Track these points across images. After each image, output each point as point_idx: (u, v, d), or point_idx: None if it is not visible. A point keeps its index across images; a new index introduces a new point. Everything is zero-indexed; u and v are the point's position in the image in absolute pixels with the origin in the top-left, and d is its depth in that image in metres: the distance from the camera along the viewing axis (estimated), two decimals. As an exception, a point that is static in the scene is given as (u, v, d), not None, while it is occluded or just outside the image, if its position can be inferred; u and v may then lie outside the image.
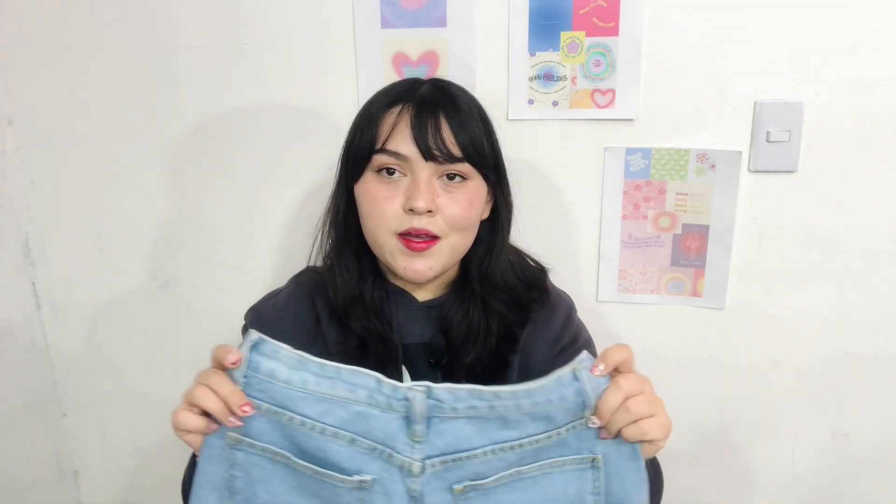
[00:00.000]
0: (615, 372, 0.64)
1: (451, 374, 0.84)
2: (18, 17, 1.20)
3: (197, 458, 0.69)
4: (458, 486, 0.65)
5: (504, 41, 1.10)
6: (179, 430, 0.66)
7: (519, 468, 0.65)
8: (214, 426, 0.66)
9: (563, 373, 0.63)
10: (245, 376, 0.65)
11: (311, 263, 0.95)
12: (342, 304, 0.84)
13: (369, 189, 0.80)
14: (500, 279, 0.86)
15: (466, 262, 0.87)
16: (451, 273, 0.88)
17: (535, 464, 0.65)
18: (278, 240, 1.26)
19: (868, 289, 1.12)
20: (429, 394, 0.63)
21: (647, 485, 0.66)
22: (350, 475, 0.65)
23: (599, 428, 0.64)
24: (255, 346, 0.65)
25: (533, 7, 1.08)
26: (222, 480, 0.68)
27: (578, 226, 1.18)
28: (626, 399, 0.62)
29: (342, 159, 0.86)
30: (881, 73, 1.03)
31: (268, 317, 0.88)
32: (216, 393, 0.64)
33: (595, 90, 1.10)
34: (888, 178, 1.07)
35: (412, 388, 0.63)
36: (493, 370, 0.83)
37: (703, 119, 1.09)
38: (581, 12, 1.07)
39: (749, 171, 1.10)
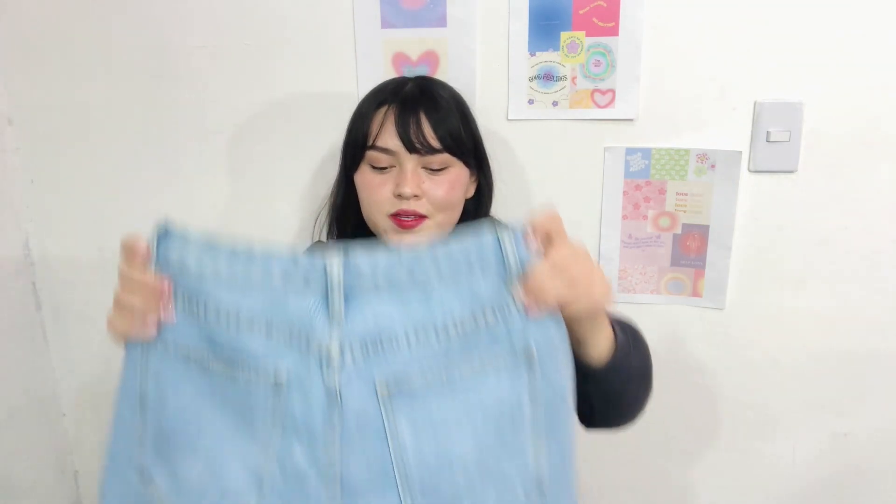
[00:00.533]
0: (546, 242, 0.61)
1: None
2: (18, 17, 1.20)
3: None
4: (381, 385, 0.57)
5: (504, 41, 1.10)
6: (111, 329, 0.67)
7: (448, 366, 0.58)
8: (143, 323, 0.64)
9: (483, 231, 0.58)
10: (156, 269, 0.62)
11: (316, 239, 1.07)
12: None
13: (365, 178, 0.92)
14: None
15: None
16: None
17: (466, 363, 0.58)
18: (279, 239, 1.26)
19: (868, 288, 1.13)
20: (345, 261, 0.57)
21: (573, 371, 0.62)
22: (267, 372, 0.59)
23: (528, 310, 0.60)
24: (162, 236, 0.62)
25: (533, 7, 1.08)
26: (135, 392, 0.65)
27: (578, 226, 1.18)
28: (554, 269, 0.60)
29: (342, 153, 0.97)
30: (881, 73, 1.03)
31: None
32: (135, 286, 0.63)
33: (595, 90, 1.10)
34: (888, 178, 1.08)
35: (327, 259, 0.57)
36: None
37: (703, 119, 1.09)
38: (581, 12, 1.07)
39: (749, 171, 1.10)
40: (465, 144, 0.92)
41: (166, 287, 0.62)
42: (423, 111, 0.89)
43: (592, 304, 0.63)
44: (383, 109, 0.90)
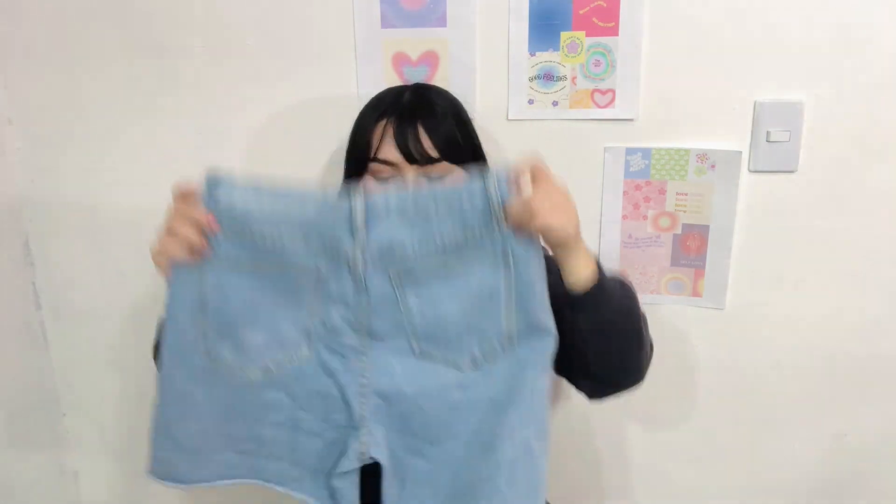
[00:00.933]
0: (533, 178, 0.77)
1: None
2: (18, 18, 1.21)
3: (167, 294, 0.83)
4: (394, 275, 0.78)
5: (504, 41, 1.11)
6: (160, 254, 0.81)
7: (443, 264, 0.78)
8: (194, 251, 0.78)
9: (474, 180, 0.75)
10: (207, 210, 0.77)
11: None
12: None
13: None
14: None
15: None
16: None
17: (457, 260, 0.78)
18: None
19: (868, 289, 1.13)
20: (365, 198, 0.76)
21: (545, 274, 0.78)
22: (308, 268, 0.78)
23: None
24: (212, 183, 0.77)
25: (533, 7, 1.08)
26: (193, 301, 0.80)
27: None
28: (529, 202, 0.74)
29: (346, 163, 0.99)
30: (881, 73, 1.03)
31: None
32: (187, 219, 0.77)
33: (595, 90, 1.10)
34: (888, 177, 1.08)
35: (352, 195, 0.76)
36: None
37: (704, 119, 1.09)
38: (581, 12, 1.07)
39: (749, 171, 1.10)
40: (464, 151, 0.94)
41: (213, 221, 0.77)
42: (421, 122, 0.91)
43: (573, 228, 0.78)
44: (382, 122, 0.92)
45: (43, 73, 1.23)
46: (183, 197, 0.79)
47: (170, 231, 0.79)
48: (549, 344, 0.79)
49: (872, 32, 1.02)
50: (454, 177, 0.94)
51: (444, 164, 0.92)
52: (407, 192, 0.77)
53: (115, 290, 1.34)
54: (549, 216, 0.75)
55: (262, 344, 0.81)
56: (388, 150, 0.91)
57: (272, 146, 1.21)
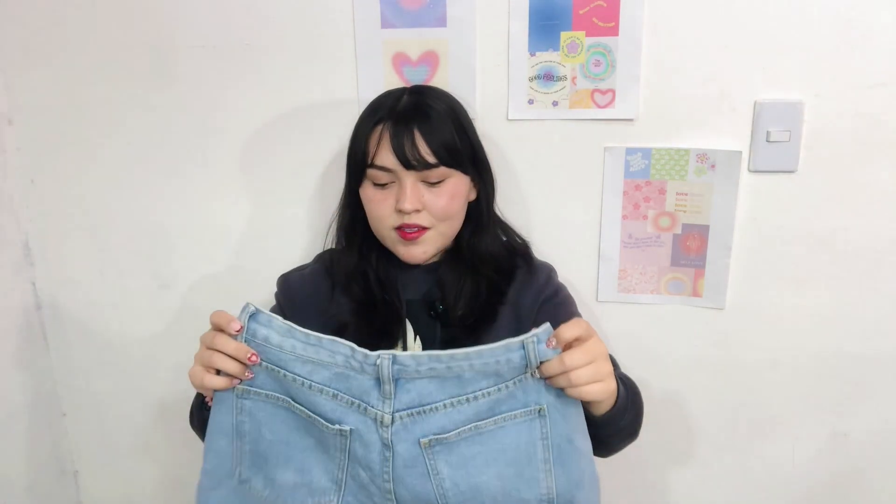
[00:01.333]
0: (569, 345, 0.73)
1: (448, 324, 0.97)
2: (18, 18, 1.21)
3: (205, 401, 0.85)
4: (424, 440, 0.75)
5: (504, 41, 1.10)
6: (203, 389, 0.81)
7: (476, 423, 0.75)
8: (234, 381, 0.79)
9: (512, 341, 0.71)
10: (245, 341, 0.77)
11: (328, 247, 1.09)
12: (346, 277, 1.01)
13: (368, 194, 0.95)
14: (487, 250, 1.01)
15: (458, 237, 1.01)
16: (445, 245, 1.02)
17: (490, 419, 0.75)
18: (278, 239, 1.26)
19: (868, 288, 1.13)
20: (393, 360, 0.73)
21: (584, 419, 0.78)
22: (333, 424, 0.76)
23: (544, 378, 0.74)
24: (252, 316, 0.78)
25: (533, 7, 1.08)
26: (231, 426, 0.81)
27: (578, 226, 1.18)
28: (567, 370, 0.72)
29: (347, 168, 0.99)
30: (881, 72, 1.03)
31: (294, 284, 1.05)
32: (225, 353, 0.78)
33: (595, 90, 1.10)
34: (888, 177, 1.07)
35: (380, 356, 0.74)
36: (482, 321, 0.97)
37: (703, 119, 1.09)
38: (581, 12, 1.07)
39: (749, 171, 1.10)
40: (462, 154, 0.94)
41: (253, 353, 0.77)
42: (417, 127, 0.90)
43: (610, 395, 0.78)
44: (379, 128, 0.92)
45: (43, 73, 1.23)
46: (225, 327, 0.78)
47: (210, 362, 0.79)
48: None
49: (872, 32, 1.02)
50: (454, 181, 0.94)
51: (442, 169, 0.92)
52: (440, 356, 0.73)
53: (114, 290, 1.34)
54: (589, 389, 0.73)
55: (292, 485, 0.80)
56: (385, 157, 0.91)
57: (273, 146, 1.21)
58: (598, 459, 1.26)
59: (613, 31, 1.07)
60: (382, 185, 0.93)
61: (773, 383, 1.19)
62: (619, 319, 1.21)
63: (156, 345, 1.36)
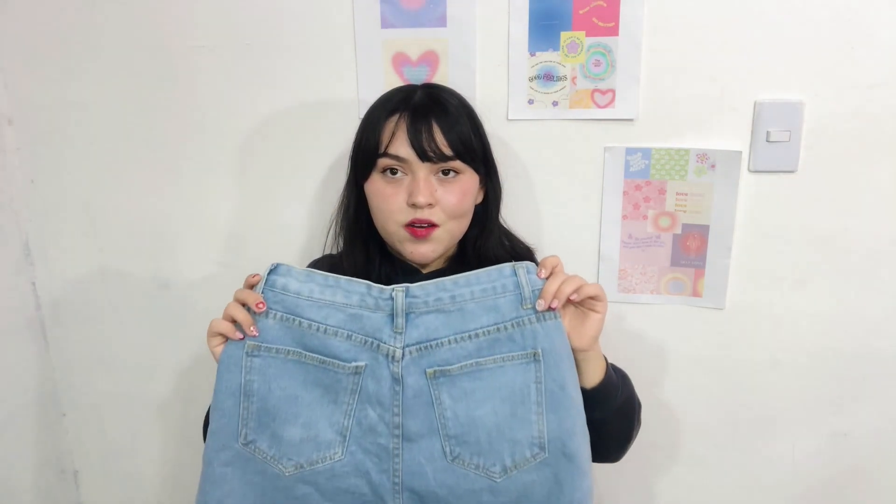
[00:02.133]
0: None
1: None
2: (18, 18, 1.21)
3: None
4: (429, 370, 0.82)
5: (504, 41, 1.10)
6: (211, 333, 0.84)
7: (477, 359, 0.82)
8: (239, 335, 0.82)
9: (503, 266, 0.82)
10: (263, 291, 0.83)
11: (327, 252, 1.07)
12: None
13: (377, 187, 0.93)
14: (492, 255, 1.00)
15: (463, 242, 1.00)
16: (450, 251, 1.01)
17: (490, 357, 0.82)
18: (278, 240, 1.26)
19: (868, 288, 1.13)
20: (407, 292, 0.81)
21: (575, 373, 0.84)
22: (348, 363, 0.82)
23: (542, 311, 0.81)
24: (272, 270, 0.83)
25: (533, 7, 1.08)
26: (238, 386, 0.83)
27: (578, 226, 1.18)
28: (563, 281, 0.81)
29: (351, 161, 0.98)
30: (881, 72, 1.03)
31: None
32: (240, 305, 0.82)
33: (595, 90, 1.10)
34: (888, 177, 1.07)
35: (394, 289, 0.81)
36: None
37: (703, 119, 1.09)
38: (581, 12, 1.07)
39: (749, 171, 1.10)
40: (476, 151, 0.93)
41: (261, 301, 0.82)
42: (435, 119, 0.89)
43: (599, 290, 0.83)
44: (395, 118, 0.90)
45: (43, 73, 1.23)
46: (246, 282, 0.84)
47: (225, 313, 0.83)
48: (581, 463, 0.82)
49: (872, 31, 1.02)
50: (466, 178, 0.93)
51: (457, 163, 0.91)
52: (442, 281, 0.82)
53: (114, 291, 1.34)
54: (590, 289, 0.82)
55: (298, 441, 0.83)
56: (400, 146, 0.89)
57: (273, 146, 1.21)
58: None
59: (613, 31, 1.07)
60: (392, 179, 0.91)
61: (774, 383, 1.19)
62: (619, 320, 1.21)
63: (156, 345, 1.36)
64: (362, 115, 1.15)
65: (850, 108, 1.05)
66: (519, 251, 1.05)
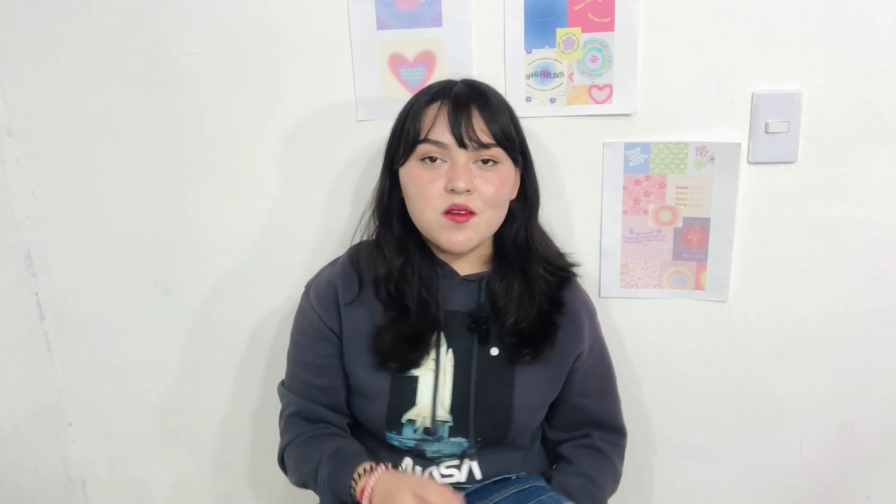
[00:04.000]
0: None
1: (487, 339, 0.97)
2: (16, 28, 1.21)
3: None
4: None
5: (500, 39, 1.11)
6: None
7: None
8: None
9: None
10: None
11: (360, 238, 1.05)
12: (385, 274, 0.98)
13: (415, 173, 0.92)
14: (537, 247, 1.00)
15: (502, 240, 1.00)
16: (488, 250, 1.02)
17: None
18: (280, 244, 1.26)
19: (870, 277, 1.12)
20: None
21: None
22: None
23: None
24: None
25: (528, 5, 1.08)
26: None
27: (579, 222, 1.18)
28: None
29: (387, 148, 0.98)
30: (879, 62, 1.03)
31: (324, 277, 1.03)
32: None
33: (592, 86, 1.10)
34: (887, 166, 1.07)
35: None
36: (540, 329, 0.97)
37: (702, 112, 1.09)
38: (576, 8, 1.07)
39: (748, 162, 1.10)
40: (514, 141, 0.94)
41: None
42: (476, 107, 0.90)
43: None
44: (436, 105, 0.91)
45: (41, 84, 1.23)
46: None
47: None
48: None
49: (869, 20, 1.02)
50: (504, 168, 0.93)
51: (496, 150, 0.91)
52: None
53: (117, 299, 1.34)
54: None
55: None
56: (441, 132, 0.90)
57: (272, 150, 1.21)
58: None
59: (609, 27, 1.07)
60: (431, 166, 0.91)
61: (779, 375, 1.19)
62: (623, 315, 1.21)
63: (161, 352, 1.36)
64: (360, 118, 1.16)
65: (848, 98, 1.05)
66: (562, 263, 1.04)
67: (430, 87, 0.96)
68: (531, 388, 0.98)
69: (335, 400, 1.01)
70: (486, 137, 0.90)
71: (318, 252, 1.22)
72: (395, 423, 0.96)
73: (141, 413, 1.41)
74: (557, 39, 1.09)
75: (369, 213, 1.02)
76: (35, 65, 1.22)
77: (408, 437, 0.96)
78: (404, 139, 0.93)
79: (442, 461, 0.98)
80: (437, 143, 0.90)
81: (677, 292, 1.18)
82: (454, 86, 0.94)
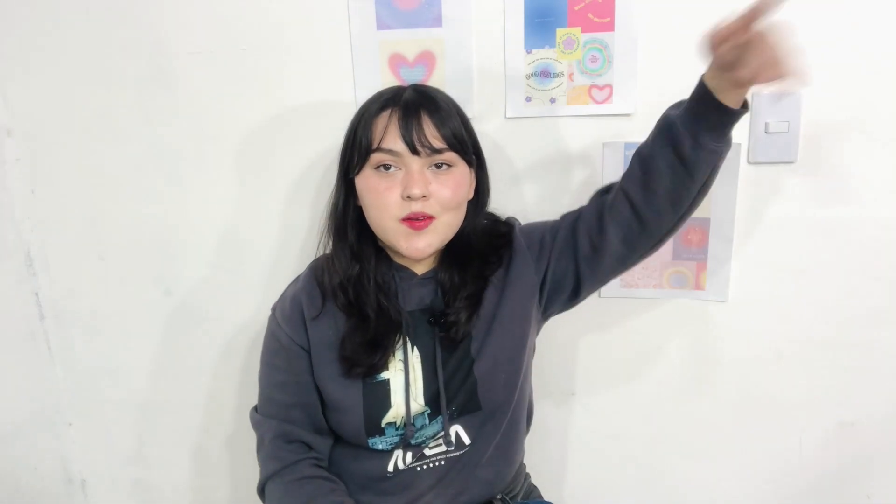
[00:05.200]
0: None
1: (446, 327, 0.98)
2: (16, 28, 1.21)
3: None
4: None
5: (500, 39, 1.11)
6: None
7: None
8: None
9: None
10: None
11: (321, 251, 1.03)
12: (340, 283, 0.98)
13: (370, 182, 0.92)
14: (473, 241, 1.01)
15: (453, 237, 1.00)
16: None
17: None
18: (279, 244, 1.26)
19: (870, 277, 1.12)
20: None
21: None
22: None
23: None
24: None
25: (528, 5, 1.08)
26: None
27: (579, 222, 1.17)
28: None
29: (341, 157, 0.97)
30: (878, 62, 1.03)
31: (288, 297, 1.03)
32: None
33: (592, 86, 1.10)
34: (887, 166, 1.07)
35: None
36: (474, 311, 0.98)
37: (701, 112, 1.09)
38: (576, 8, 1.07)
39: (748, 162, 1.10)
40: (466, 143, 0.94)
41: None
42: (426, 112, 0.90)
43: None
44: (386, 113, 0.91)
45: (41, 84, 1.23)
46: None
47: None
48: None
49: (868, 20, 1.02)
50: (459, 171, 0.93)
51: (449, 154, 0.91)
52: None
53: (117, 298, 1.34)
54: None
55: None
56: (392, 140, 0.89)
57: (272, 149, 1.21)
58: (603, 447, 1.27)
59: (609, 27, 1.07)
60: (386, 174, 0.91)
61: (779, 374, 1.19)
62: (623, 315, 1.21)
63: (160, 351, 1.36)
64: (360, 117, 1.16)
65: (847, 98, 1.05)
66: (496, 230, 1.04)
67: (380, 94, 0.96)
68: (491, 351, 0.98)
69: (314, 417, 1.00)
70: (437, 142, 0.90)
71: (319, 251, 1.22)
72: (375, 430, 0.96)
73: (141, 413, 1.41)
74: (557, 39, 1.09)
75: (324, 224, 1.02)
76: (35, 65, 1.22)
77: (390, 436, 0.97)
78: (357, 149, 0.93)
79: (427, 443, 0.99)
80: (389, 151, 0.90)
81: (677, 292, 1.18)
82: (403, 92, 0.94)
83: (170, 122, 1.22)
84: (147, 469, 1.46)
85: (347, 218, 0.98)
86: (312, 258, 1.14)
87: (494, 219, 1.06)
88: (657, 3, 1.06)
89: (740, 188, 1.11)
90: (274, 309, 1.04)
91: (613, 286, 1.19)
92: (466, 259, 1.00)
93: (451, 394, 0.97)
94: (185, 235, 1.28)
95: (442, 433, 0.98)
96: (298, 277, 1.06)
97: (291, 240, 1.25)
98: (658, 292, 1.19)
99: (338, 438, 1.03)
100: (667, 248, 1.16)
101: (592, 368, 1.25)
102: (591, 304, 1.20)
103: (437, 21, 1.11)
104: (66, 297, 1.36)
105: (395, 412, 0.96)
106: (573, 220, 1.00)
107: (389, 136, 0.90)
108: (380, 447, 0.97)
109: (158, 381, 1.39)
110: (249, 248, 1.27)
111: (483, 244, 1.01)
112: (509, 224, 1.05)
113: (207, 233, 1.27)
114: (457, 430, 0.99)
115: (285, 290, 1.06)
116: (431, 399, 0.97)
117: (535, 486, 1.14)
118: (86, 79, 1.22)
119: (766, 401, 1.21)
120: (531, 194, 1.17)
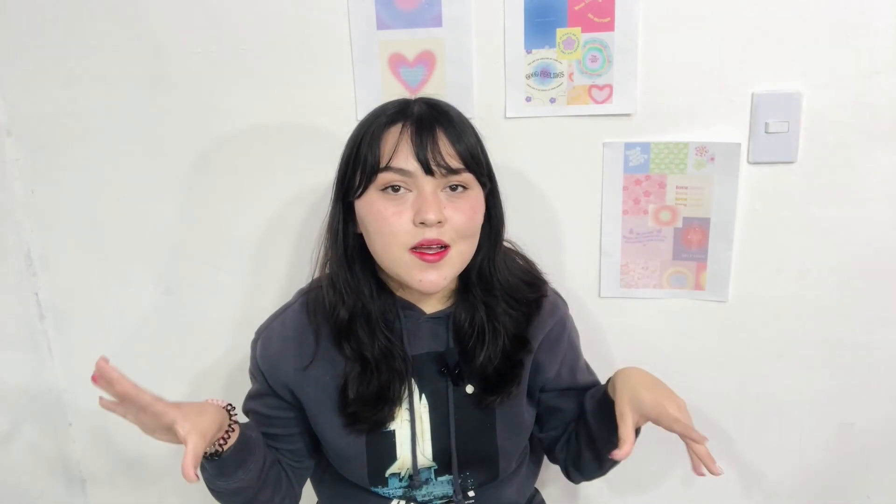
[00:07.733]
0: None
1: (461, 381, 0.90)
2: (15, 28, 1.21)
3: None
4: None
5: (500, 39, 1.10)
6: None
7: None
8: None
9: None
10: None
11: (315, 275, 0.95)
12: (336, 323, 0.88)
13: (376, 206, 0.81)
14: (499, 280, 0.90)
15: (467, 272, 0.89)
16: (453, 283, 0.91)
17: None
18: (279, 244, 1.26)
19: (870, 277, 1.12)
20: None
21: None
22: None
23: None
24: None
25: (528, 5, 1.08)
26: None
27: (579, 222, 1.18)
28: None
29: (339, 177, 0.87)
30: (879, 62, 1.03)
31: (274, 336, 0.93)
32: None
33: (592, 86, 1.10)
34: (888, 166, 1.07)
35: None
36: (507, 370, 0.90)
37: (702, 112, 1.09)
38: (576, 8, 1.07)
39: (748, 162, 1.10)
40: (482, 164, 0.85)
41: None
42: (441, 129, 0.81)
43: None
44: (396, 128, 0.81)
45: (40, 83, 1.23)
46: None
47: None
48: None
49: (869, 19, 1.02)
50: (474, 194, 0.84)
51: (466, 177, 0.81)
52: None
53: (117, 298, 1.34)
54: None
55: None
56: (404, 158, 0.79)
57: (272, 150, 1.21)
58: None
59: (609, 27, 1.07)
60: (394, 196, 0.80)
61: (779, 375, 1.19)
62: (623, 315, 1.21)
63: (161, 351, 1.36)
64: (360, 117, 1.15)
65: (848, 97, 1.05)
66: (528, 276, 0.96)
67: (384, 107, 0.85)
68: (513, 424, 0.93)
69: (290, 445, 0.94)
70: (454, 162, 0.80)
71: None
72: (379, 479, 0.91)
73: (141, 413, 1.41)
74: (557, 39, 1.09)
75: (320, 252, 0.92)
76: (34, 64, 1.22)
77: (394, 487, 0.93)
78: (361, 168, 0.81)
79: (434, 502, 0.96)
80: (400, 170, 0.79)
81: (677, 292, 1.18)
82: (413, 105, 0.84)
83: (170, 122, 1.22)
84: (147, 470, 1.46)
85: (347, 247, 0.87)
86: (312, 258, 1.14)
87: (529, 262, 0.98)
88: (657, 3, 1.06)
89: (741, 188, 1.11)
90: (257, 337, 0.94)
91: (613, 286, 1.19)
92: (489, 300, 0.90)
93: (463, 456, 0.90)
94: (185, 236, 1.28)
95: (452, 499, 0.94)
96: (286, 308, 0.95)
97: (291, 239, 1.25)
98: (658, 292, 1.19)
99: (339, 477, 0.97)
100: (667, 248, 1.16)
101: (592, 368, 1.25)
102: (591, 304, 1.20)
103: (437, 21, 1.11)
104: (66, 297, 1.36)
105: (401, 464, 0.91)
106: (567, 389, 1.00)
107: (400, 153, 0.79)
108: (383, 494, 0.94)
109: (158, 381, 1.38)
110: (249, 247, 1.27)
111: (509, 285, 0.91)
112: (545, 281, 0.97)
113: (208, 232, 1.27)
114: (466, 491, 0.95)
115: (271, 321, 0.95)
116: (439, 454, 0.91)
117: (537, 490, 1.14)
118: (84, 79, 1.22)
119: (766, 401, 1.21)
120: (531, 194, 1.17)
